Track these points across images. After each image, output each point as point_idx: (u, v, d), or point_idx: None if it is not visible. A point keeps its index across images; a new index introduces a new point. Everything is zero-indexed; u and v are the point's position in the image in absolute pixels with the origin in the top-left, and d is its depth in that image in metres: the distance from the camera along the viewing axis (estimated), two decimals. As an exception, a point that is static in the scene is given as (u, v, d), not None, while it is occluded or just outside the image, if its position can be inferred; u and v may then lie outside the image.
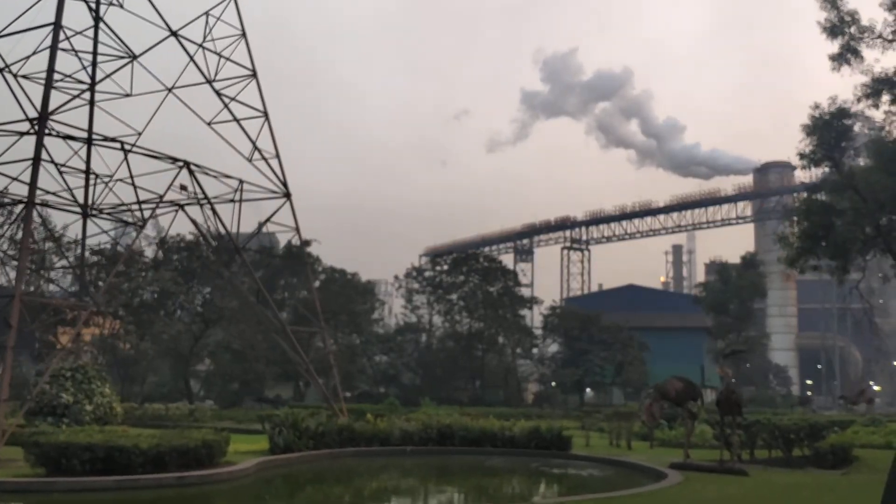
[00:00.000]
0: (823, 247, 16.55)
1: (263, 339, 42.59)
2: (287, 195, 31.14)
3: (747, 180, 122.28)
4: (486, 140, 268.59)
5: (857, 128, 16.85)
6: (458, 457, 23.85)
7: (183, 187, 26.74)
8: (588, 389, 70.26)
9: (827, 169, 16.76)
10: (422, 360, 65.65)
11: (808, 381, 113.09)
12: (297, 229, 31.41)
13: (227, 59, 31.21)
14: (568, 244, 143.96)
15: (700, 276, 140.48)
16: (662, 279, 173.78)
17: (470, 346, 62.29)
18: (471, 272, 62.62)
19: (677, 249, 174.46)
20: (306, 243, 62.20)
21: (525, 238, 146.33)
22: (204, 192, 27.85)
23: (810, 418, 32.99)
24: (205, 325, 47.85)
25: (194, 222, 30.63)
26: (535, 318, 76.64)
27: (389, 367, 69.20)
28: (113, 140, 28.43)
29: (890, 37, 17.49)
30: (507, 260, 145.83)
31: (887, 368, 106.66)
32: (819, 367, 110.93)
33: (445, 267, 63.19)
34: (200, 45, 31.02)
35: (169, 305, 47.25)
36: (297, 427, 22.46)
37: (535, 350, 65.75)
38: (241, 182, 29.41)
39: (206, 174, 28.76)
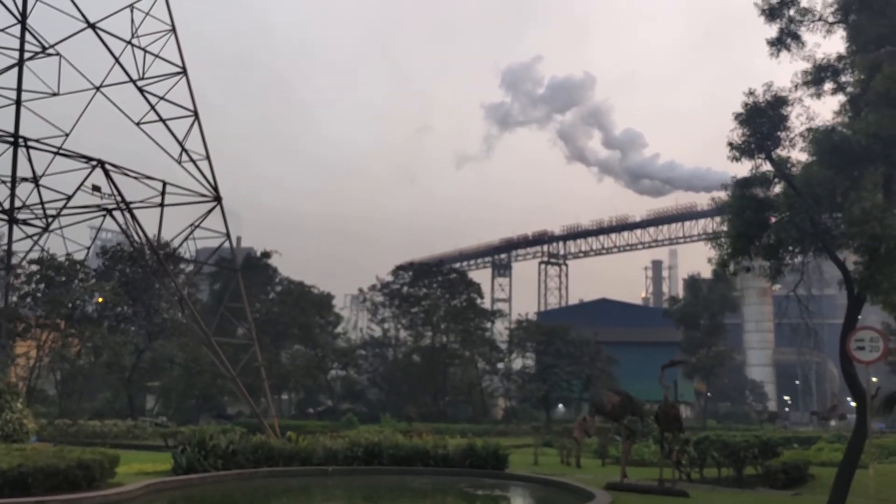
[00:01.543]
0: (757, 246, 15.02)
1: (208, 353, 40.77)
2: (217, 199, 29.48)
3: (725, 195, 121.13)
4: (458, 155, 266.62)
5: (794, 117, 15.35)
6: (382, 477, 22.16)
7: (96, 188, 25.01)
8: (560, 405, 68.69)
9: (760, 161, 15.25)
10: (387, 375, 63.90)
11: (786, 397, 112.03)
12: (228, 235, 29.72)
13: (156, 55, 29.68)
14: (545, 259, 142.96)
15: (681, 292, 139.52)
16: (643, 294, 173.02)
17: (434, 360, 60.58)
18: (433, 284, 60.99)
19: (657, 265, 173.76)
20: (266, 255, 60.70)
21: (503, 252, 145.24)
22: (121, 195, 26.14)
23: (764, 434, 31.44)
24: (148, 337, 45.99)
25: (122, 228, 28.95)
26: (503, 332, 75.02)
27: (354, 382, 67.58)
28: (37, 141, 26.86)
29: (831, 19, 16.08)
30: (486, 275, 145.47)
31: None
32: (796, 382, 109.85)
33: (408, 279, 61.42)
34: (128, 42, 29.52)
35: (112, 317, 45.37)
36: (203, 445, 20.67)
37: (500, 365, 64.02)
38: (165, 184, 27.74)
39: (127, 175, 27.12)
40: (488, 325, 65.59)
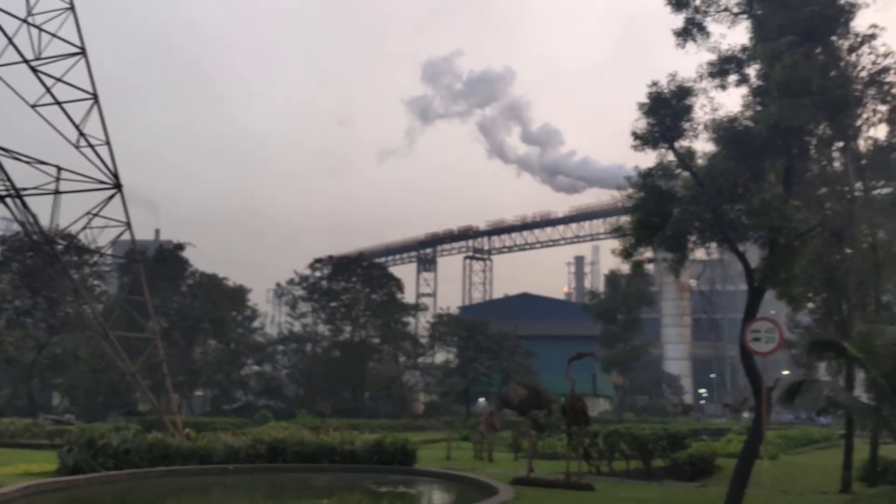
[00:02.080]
0: (660, 238, 14.85)
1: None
2: (117, 186, 28.11)
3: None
4: (380, 149, 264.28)
5: (698, 108, 15.24)
6: (285, 474, 21.45)
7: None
8: (481, 399, 68.63)
9: (664, 151, 15.09)
10: (305, 370, 62.71)
11: (702, 391, 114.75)
12: (129, 224, 28.39)
13: (52, 34, 28.10)
14: (470, 254, 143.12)
15: (602, 287, 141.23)
16: (565, 289, 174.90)
17: (353, 355, 59.68)
18: (353, 278, 60.07)
19: (579, 260, 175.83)
20: (179, 247, 58.80)
21: (428, 247, 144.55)
22: (10, 180, 24.62)
23: (673, 427, 31.75)
24: (50, 332, 43.89)
25: (14, 216, 27.33)
26: (426, 326, 74.54)
27: (271, 378, 66.16)
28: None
29: (736, 10, 16.03)
30: (411, 269, 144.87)
31: (778, 376, 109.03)
32: (712, 376, 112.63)
33: (326, 273, 60.30)
34: (24, 21, 27.88)
35: (11, 311, 43.13)
36: (92, 444, 19.58)
37: (420, 359, 63.54)
38: (60, 170, 26.29)
39: (17, 159, 25.59)
40: (410, 319, 65.10)
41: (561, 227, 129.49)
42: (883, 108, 22.83)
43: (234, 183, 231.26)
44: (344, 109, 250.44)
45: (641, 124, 15.32)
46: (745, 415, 70.91)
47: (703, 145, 15.42)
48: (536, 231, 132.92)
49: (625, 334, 65.01)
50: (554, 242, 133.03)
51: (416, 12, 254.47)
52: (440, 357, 68.38)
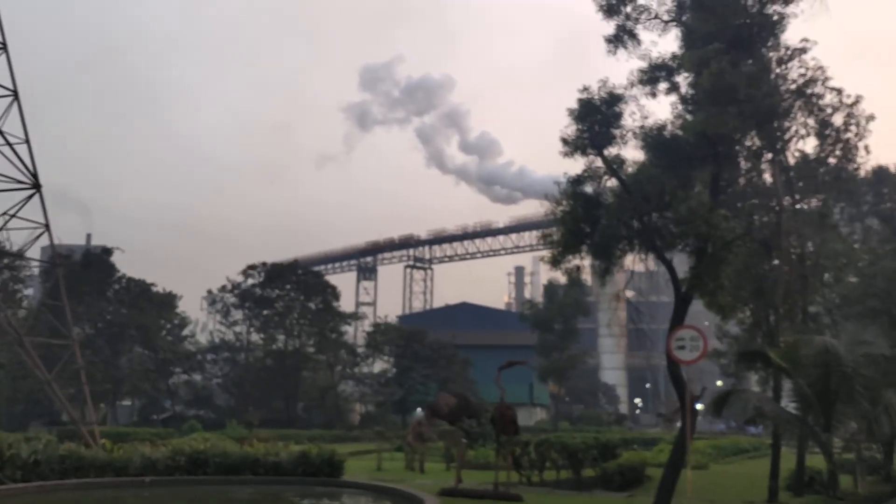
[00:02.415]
0: (588, 245, 14.66)
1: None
2: (36, 186, 26.96)
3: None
4: (319, 155, 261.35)
5: (627, 115, 15.13)
6: (205, 487, 20.55)
7: None
8: (418, 409, 68.02)
9: (593, 158, 14.92)
10: (237, 379, 61.32)
11: (637, 400, 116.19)
12: (48, 226, 27.23)
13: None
14: (411, 263, 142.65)
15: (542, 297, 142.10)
16: (506, 299, 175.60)
17: (287, 364, 58.56)
18: (287, 286, 58.96)
19: (520, 271, 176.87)
20: (107, 251, 57.07)
21: (369, 256, 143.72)
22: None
23: (604, 436, 31.77)
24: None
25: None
26: (362, 335, 73.70)
27: (202, 388, 64.58)
28: None
29: (666, 17, 15.99)
30: (351, 278, 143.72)
31: (711, 387, 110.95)
32: (647, 385, 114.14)
33: (259, 280, 59.03)
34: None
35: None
36: (0, 455, 18.50)
37: (356, 369, 62.65)
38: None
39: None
40: (347, 328, 64.21)
41: (501, 238, 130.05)
42: (811, 121, 23.26)
43: (173, 188, 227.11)
44: (285, 116, 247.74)
45: (571, 130, 15.14)
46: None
47: (632, 153, 15.32)
48: (477, 241, 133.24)
49: (561, 344, 65.22)
50: (494, 252, 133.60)
51: (360, 20, 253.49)
52: (379, 366, 67.62)
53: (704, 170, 14.61)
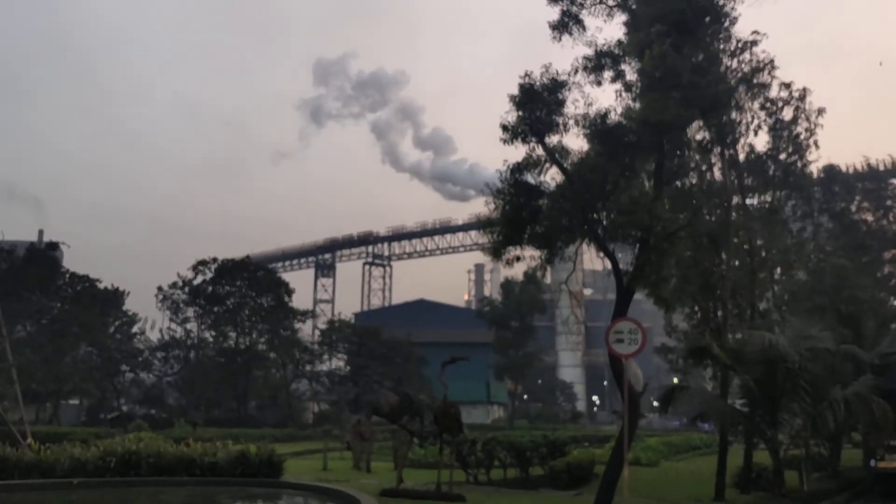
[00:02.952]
0: (529, 235, 14.12)
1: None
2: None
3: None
4: (275, 151, 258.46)
5: (570, 102, 14.61)
6: (136, 489, 19.66)
7: None
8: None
9: (534, 145, 14.37)
10: (189, 378, 59.97)
11: (595, 398, 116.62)
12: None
13: None
14: (370, 260, 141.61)
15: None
16: (466, 297, 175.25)
17: (238, 362, 57.39)
18: (237, 282, 57.69)
19: (479, 268, 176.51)
20: (51, 246, 55.52)
21: (327, 252, 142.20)
22: None
23: (553, 434, 31.42)
24: None
25: None
26: (318, 333, 72.66)
27: (152, 386, 63.13)
28: None
29: (612, 2, 15.51)
30: (309, 275, 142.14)
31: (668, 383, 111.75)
32: (605, 383, 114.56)
33: (209, 275, 57.69)
34: None
35: None
36: None
37: (310, 367, 61.63)
38: None
39: None
40: (300, 325, 63.16)
41: (461, 235, 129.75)
42: (763, 114, 23.04)
43: (127, 184, 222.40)
44: (240, 110, 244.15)
45: (512, 117, 14.58)
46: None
47: (576, 142, 14.81)
48: (437, 238, 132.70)
49: (518, 341, 64.92)
50: (454, 249, 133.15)
51: (317, 16, 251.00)
52: (333, 364, 66.68)
53: (649, 160, 14.18)
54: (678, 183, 18.82)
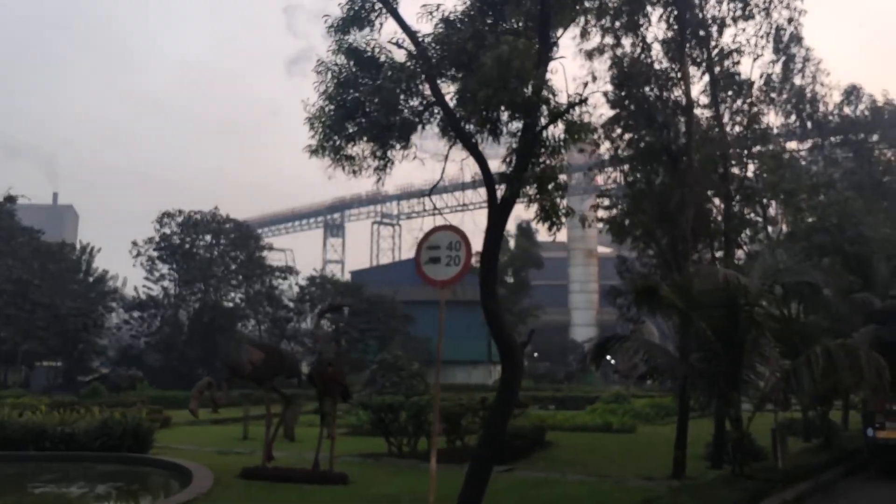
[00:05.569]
0: (361, 124, 9.93)
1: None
2: None
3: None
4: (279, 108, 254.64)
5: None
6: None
7: None
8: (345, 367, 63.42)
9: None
10: (164, 338, 56.81)
11: (608, 357, 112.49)
12: None
13: None
14: (379, 219, 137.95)
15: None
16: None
17: (214, 320, 53.85)
18: (208, 235, 53.91)
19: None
20: (9, 199, 52.26)
21: (336, 212, 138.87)
22: None
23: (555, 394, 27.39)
24: None
25: None
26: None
27: (129, 347, 60.09)
28: None
29: None
30: (318, 235, 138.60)
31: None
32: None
33: (176, 228, 53.79)
34: None
35: None
36: None
37: (290, 325, 57.98)
38: None
39: None
40: (280, 282, 59.34)
41: (470, 192, 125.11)
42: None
43: (147, 146, 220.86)
44: (246, 72, 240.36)
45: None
46: (635, 380, 67.76)
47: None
48: (446, 196, 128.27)
49: (512, 297, 60.85)
50: (464, 207, 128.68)
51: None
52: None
53: (530, 5, 9.88)
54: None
